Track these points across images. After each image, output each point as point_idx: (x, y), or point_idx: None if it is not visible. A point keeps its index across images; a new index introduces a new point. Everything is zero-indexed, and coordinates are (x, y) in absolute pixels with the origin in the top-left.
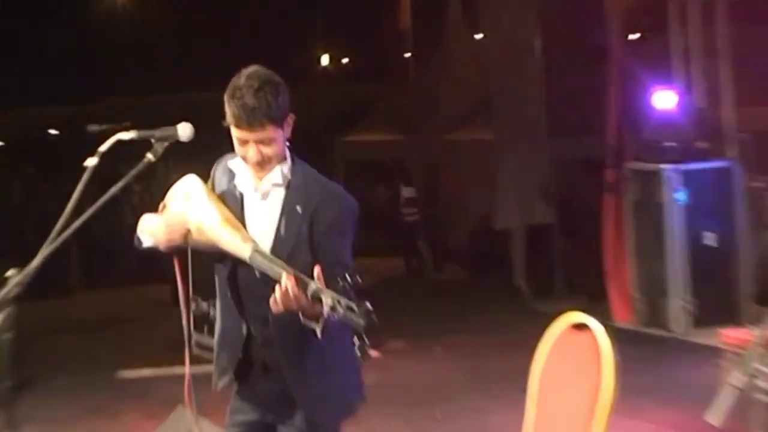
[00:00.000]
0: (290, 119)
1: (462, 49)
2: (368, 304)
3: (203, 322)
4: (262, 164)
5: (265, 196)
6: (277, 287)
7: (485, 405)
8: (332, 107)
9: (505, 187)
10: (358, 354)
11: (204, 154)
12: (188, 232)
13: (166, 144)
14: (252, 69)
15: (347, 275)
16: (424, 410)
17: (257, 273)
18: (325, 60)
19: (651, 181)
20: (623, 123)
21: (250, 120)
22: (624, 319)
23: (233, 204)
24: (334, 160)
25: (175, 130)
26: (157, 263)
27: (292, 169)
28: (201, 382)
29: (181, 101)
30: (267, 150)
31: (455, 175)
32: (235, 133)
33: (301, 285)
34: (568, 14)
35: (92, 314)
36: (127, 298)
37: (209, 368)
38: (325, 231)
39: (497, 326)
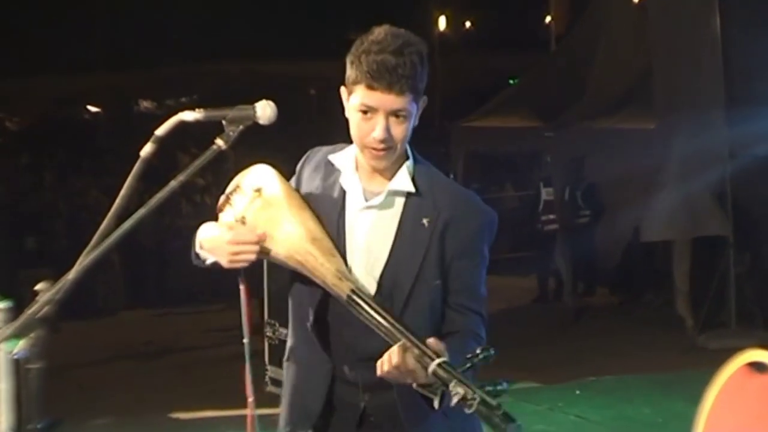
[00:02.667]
0: (423, 102)
1: (618, 14)
2: (505, 385)
3: (281, 354)
4: (385, 151)
5: (376, 199)
6: (386, 355)
7: None
8: (450, 84)
9: (666, 188)
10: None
11: (283, 141)
12: (260, 251)
13: (240, 128)
14: (389, 27)
15: (478, 350)
16: None
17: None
18: (442, 23)
19: None
20: None
21: (391, 79)
22: None
23: (329, 211)
24: (450, 150)
25: (253, 110)
26: (223, 278)
27: (416, 171)
28: (274, 425)
29: (256, 73)
30: (397, 130)
31: (605, 173)
32: (363, 98)
33: (420, 358)
34: None
35: (140, 341)
36: (184, 321)
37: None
38: (458, 253)
39: (653, 366)
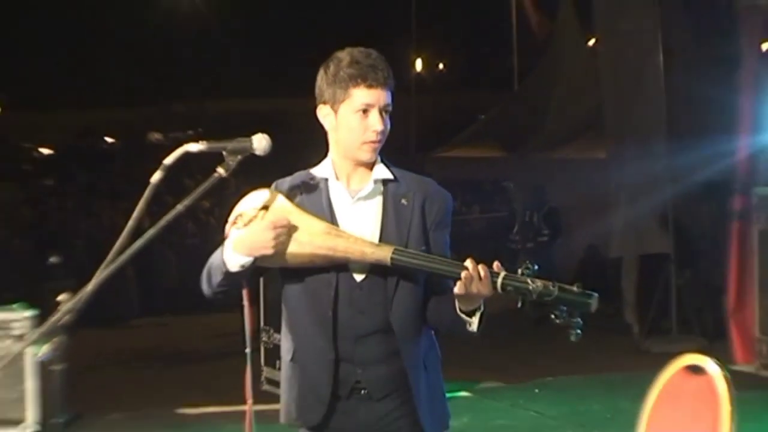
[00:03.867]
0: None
1: (573, 56)
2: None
3: (275, 357)
4: (379, 143)
5: (360, 194)
6: (463, 273)
7: None
8: (425, 119)
9: (618, 212)
10: (573, 335)
11: (279, 167)
12: (282, 257)
13: (239, 158)
14: (344, 50)
15: (527, 262)
16: None
17: (359, 284)
18: (418, 65)
19: None
20: (755, 143)
21: (378, 77)
22: (746, 362)
23: (321, 208)
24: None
25: (250, 142)
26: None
27: (384, 163)
28: (271, 420)
29: (254, 109)
30: (385, 123)
31: (563, 197)
32: (362, 98)
33: (490, 271)
34: (693, 20)
35: (151, 345)
36: (189, 327)
37: (279, 406)
38: (434, 225)
39: (603, 367)
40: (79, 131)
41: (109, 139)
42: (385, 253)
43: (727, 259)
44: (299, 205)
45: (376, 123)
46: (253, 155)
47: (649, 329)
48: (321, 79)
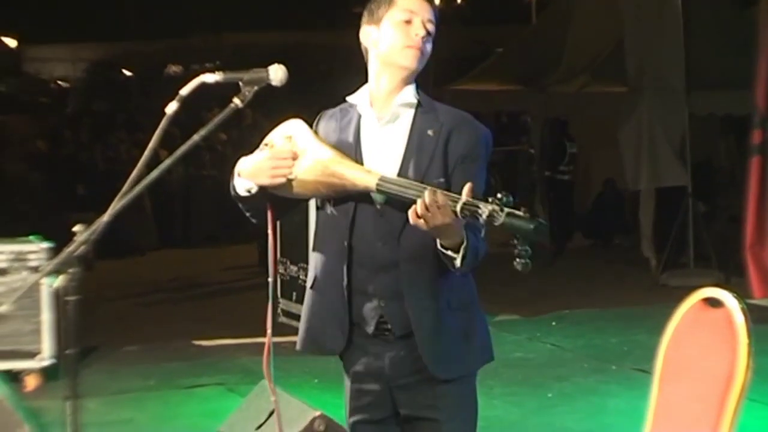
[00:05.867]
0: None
1: None
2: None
3: (291, 289)
4: (421, 51)
5: (390, 119)
6: (419, 201)
7: (603, 386)
8: (444, 53)
9: (632, 144)
10: (519, 265)
11: (297, 102)
12: (292, 172)
13: (255, 88)
14: None
15: (498, 194)
16: (535, 390)
17: (378, 210)
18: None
19: None
20: None
21: None
22: (763, 296)
23: (348, 134)
24: None
25: (267, 72)
26: (241, 222)
27: (420, 94)
28: (287, 353)
29: (272, 41)
30: (429, 34)
31: (581, 130)
32: (407, 5)
33: (449, 196)
34: None
35: (167, 277)
36: (206, 259)
37: (296, 338)
38: (461, 158)
39: (620, 301)
40: (96, 64)
41: (126, 72)
42: (371, 181)
43: (745, 193)
44: (327, 135)
45: (419, 28)
46: (270, 86)
47: (666, 263)
48: (369, 5)
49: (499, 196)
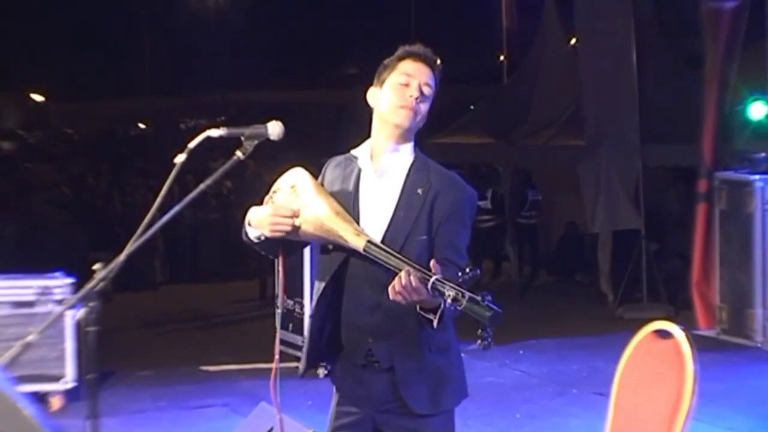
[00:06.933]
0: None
1: (555, 54)
2: (490, 296)
3: (288, 320)
4: (414, 112)
5: (385, 174)
6: (396, 279)
7: (565, 408)
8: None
9: (591, 191)
10: (482, 346)
11: (295, 153)
12: (295, 222)
13: (255, 142)
14: None
15: (467, 269)
16: (505, 411)
17: (367, 258)
18: None
19: (741, 191)
20: (717, 132)
21: (425, 54)
22: (708, 327)
23: (348, 184)
24: None
25: (265, 128)
26: (244, 260)
27: (416, 153)
28: (284, 377)
29: (278, 99)
30: (425, 96)
31: (545, 179)
32: (405, 69)
33: (421, 278)
34: (663, 20)
35: (177, 308)
36: (212, 293)
37: (293, 364)
38: (445, 218)
39: (581, 331)
40: (114, 118)
41: (141, 125)
42: (360, 243)
43: (693, 235)
44: (333, 182)
45: (414, 90)
46: (268, 140)
47: (621, 297)
48: (378, 69)
49: (467, 270)
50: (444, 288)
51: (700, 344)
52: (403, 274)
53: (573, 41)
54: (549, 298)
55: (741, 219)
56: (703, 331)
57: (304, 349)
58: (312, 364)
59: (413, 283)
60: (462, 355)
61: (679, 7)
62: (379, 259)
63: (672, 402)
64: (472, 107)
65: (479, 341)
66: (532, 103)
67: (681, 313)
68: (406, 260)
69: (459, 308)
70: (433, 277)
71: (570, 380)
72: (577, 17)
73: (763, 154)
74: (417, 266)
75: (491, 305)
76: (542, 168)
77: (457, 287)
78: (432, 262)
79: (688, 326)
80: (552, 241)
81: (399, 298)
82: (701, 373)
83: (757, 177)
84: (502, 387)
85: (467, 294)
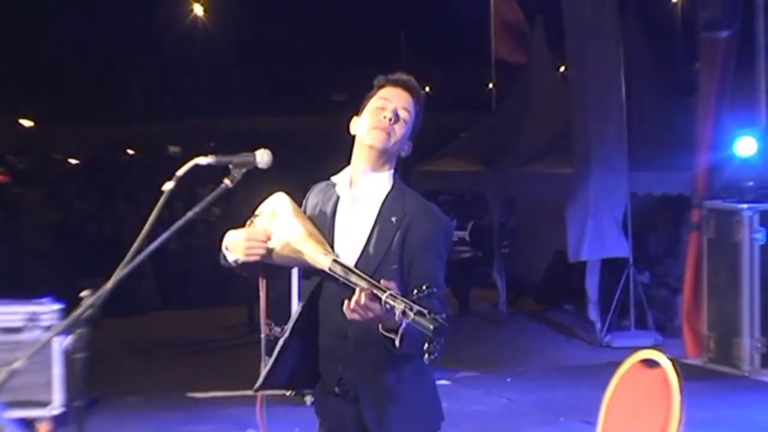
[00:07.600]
0: (409, 146)
1: (544, 82)
2: (445, 315)
3: (274, 347)
4: (388, 133)
5: (361, 200)
6: (353, 298)
7: None
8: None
9: (579, 219)
10: (426, 359)
11: (283, 179)
12: (268, 246)
13: (243, 170)
14: None
15: (423, 286)
16: None
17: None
18: None
19: (729, 219)
20: (708, 161)
21: (403, 79)
22: (695, 356)
23: (327, 210)
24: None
25: (254, 156)
26: (231, 286)
27: (395, 181)
28: (271, 405)
29: (262, 126)
30: (400, 120)
31: (533, 207)
32: (382, 93)
33: (375, 295)
34: (653, 49)
35: (165, 335)
36: (200, 320)
37: (279, 392)
38: (418, 247)
39: (568, 359)
40: (103, 144)
41: (130, 151)
42: (326, 262)
43: (683, 265)
44: (314, 207)
45: (389, 112)
46: (256, 168)
47: (609, 325)
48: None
49: (423, 287)
50: (395, 302)
51: (687, 373)
52: (357, 291)
53: (562, 69)
54: (536, 325)
55: (729, 248)
56: (691, 360)
57: (266, 368)
58: (267, 385)
59: (363, 300)
60: (448, 383)
61: (669, 35)
62: (342, 277)
63: (658, 430)
64: (462, 134)
65: (426, 354)
66: (521, 130)
67: (670, 341)
68: (367, 278)
69: (407, 321)
70: (387, 293)
71: (557, 408)
72: (567, 45)
73: (750, 184)
74: (376, 284)
75: (437, 318)
76: (531, 196)
77: (406, 301)
78: (383, 281)
79: (676, 355)
80: (540, 270)
81: (355, 316)
82: (688, 402)
83: (745, 206)
84: (489, 415)
85: (415, 307)
